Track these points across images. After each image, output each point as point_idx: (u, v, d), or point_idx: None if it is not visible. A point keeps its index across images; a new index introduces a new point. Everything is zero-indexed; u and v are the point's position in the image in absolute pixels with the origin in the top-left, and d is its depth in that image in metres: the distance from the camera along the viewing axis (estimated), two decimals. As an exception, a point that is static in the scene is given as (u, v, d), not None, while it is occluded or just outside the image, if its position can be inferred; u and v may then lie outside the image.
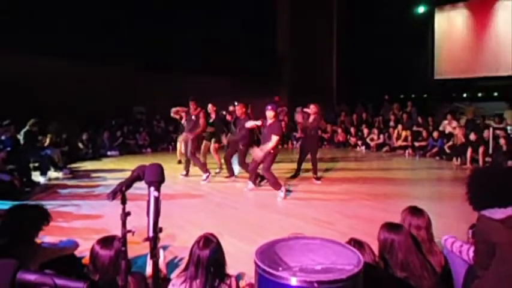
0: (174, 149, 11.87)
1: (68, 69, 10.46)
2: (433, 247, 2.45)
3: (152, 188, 1.52)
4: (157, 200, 1.50)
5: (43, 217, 2.43)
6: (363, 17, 15.43)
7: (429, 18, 15.73)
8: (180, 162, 8.88)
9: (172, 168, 8.48)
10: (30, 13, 9.57)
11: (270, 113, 6.00)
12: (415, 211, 2.53)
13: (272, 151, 5.89)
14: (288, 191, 6.18)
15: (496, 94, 14.25)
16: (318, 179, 7.11)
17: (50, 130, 8.74)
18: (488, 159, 8.65)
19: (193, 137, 7.12)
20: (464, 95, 15.15)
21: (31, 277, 1.21)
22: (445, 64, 15.57)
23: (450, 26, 15.49)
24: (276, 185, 5.92)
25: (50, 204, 5.33)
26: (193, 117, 7.22)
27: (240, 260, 2.98)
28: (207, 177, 7.12)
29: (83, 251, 2.81)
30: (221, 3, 13.30)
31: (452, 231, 2.81)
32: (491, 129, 9.05)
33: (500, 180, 2.09)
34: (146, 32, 11.86)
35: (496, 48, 13.69)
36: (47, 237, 2.84)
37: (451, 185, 6.92)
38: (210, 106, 8.01)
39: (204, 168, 7.21)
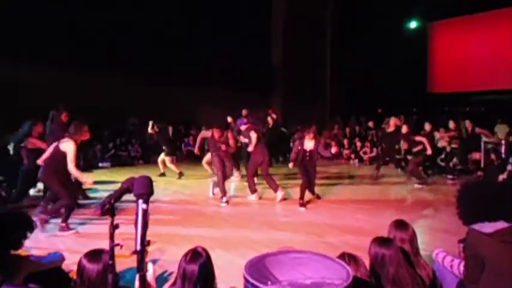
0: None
1: (59, 79, 10.40)
2: (419, 260, 2.45)
3: (141, 201, 1.50)
4: (145, 213, 1.48)
5: (26, 224, 2.37)
6: (357, 30, 15.66)
7: (423, 32, 16.10)
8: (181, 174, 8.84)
9: (163, 180, 8.42)
10: (28, 23, 9.61)
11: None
12: (399, 224, 2.56)
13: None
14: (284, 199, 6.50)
15: (487, 109, 14.44)
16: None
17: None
18: (480, 173, 8.71)
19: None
20: (457, 109, 15.32)
21: (13, 292, 1.18)
22: (439, 78, 15.85)
23: (444, 40, 15.83)
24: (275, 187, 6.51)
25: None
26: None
27: (231, 274, 2.95)
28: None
29: (70, 264, 2.76)
30: (216, 16, 13.43)
31: (444, 245, 2.81)
32: (482, 144, 9.11)
33: (489, 194, 2.11)
34: (140, 43, 11.90)
35: (489, 63, 14.01)
36: (33, 249, 2.78)
37: (444, 199, 6.93)
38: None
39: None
